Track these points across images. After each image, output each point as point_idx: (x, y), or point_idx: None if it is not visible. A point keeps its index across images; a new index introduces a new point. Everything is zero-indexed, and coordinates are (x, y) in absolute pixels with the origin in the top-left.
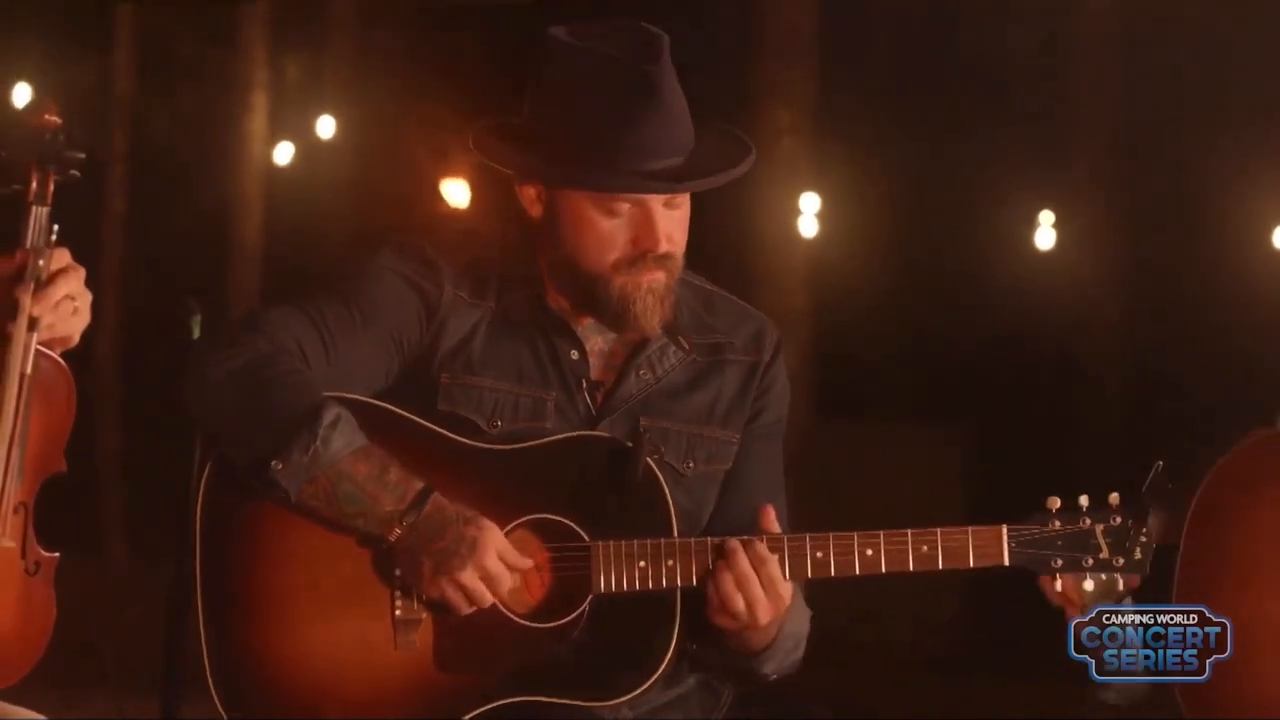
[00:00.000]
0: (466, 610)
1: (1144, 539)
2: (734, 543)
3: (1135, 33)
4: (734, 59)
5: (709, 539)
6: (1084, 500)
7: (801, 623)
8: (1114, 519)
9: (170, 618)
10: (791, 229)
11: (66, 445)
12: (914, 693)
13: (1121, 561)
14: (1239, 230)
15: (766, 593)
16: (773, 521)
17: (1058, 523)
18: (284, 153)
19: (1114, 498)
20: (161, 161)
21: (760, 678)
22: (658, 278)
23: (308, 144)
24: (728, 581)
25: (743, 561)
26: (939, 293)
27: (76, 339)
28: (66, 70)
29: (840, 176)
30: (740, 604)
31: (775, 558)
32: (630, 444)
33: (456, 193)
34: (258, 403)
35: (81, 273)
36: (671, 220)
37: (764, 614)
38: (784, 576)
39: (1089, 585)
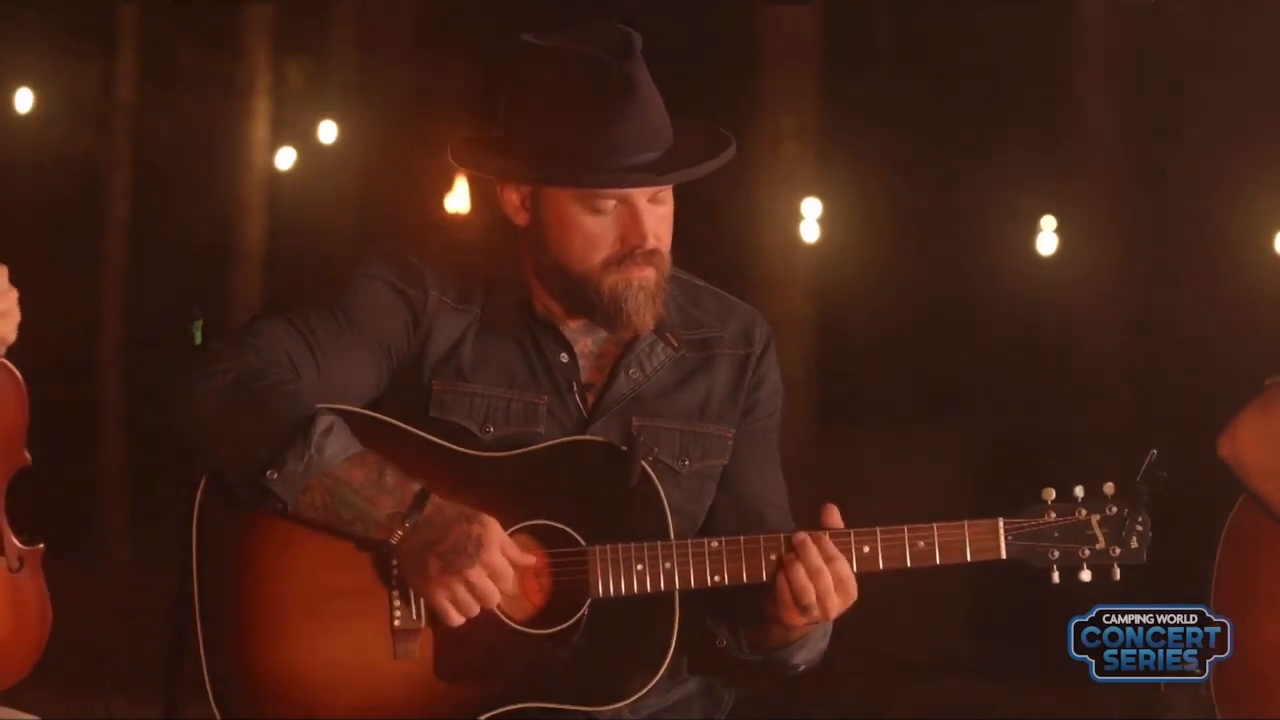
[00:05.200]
0: (473, 611)
1: (1140, 528)
2: (803, 536)
3: (1137, 38)
4: (736, 66)
5: (707, 539)
6: (1079, 491)
7: None
8: (1110, 509)
9: (172, 629)
10: (793, 234)
11: (27, 440)
12: (914, 694)
13: (1118, 551)
14: (1240, 235)
15: (836, 587)
16: (835, 519)
17: (1054, 514)
18: (285, 158)
19: (1109, 487)
20: (164, 168)
21: (790, 669)
22: (647, 274)
23: (309, 149)
24: (800, 574)
25: (814, 555)
26: (941, 298)
27: (13, 336)
28: (69, 76)
29: (842, 182)
30: (813, 596)
31: (843, 555)
32: (625, 447)
33: (458, 198)
34: (250, 415)
35: (3, 271)
36: (656, 216)
37: (834, 608)
38: (852, 571)
39: (1086, 576)
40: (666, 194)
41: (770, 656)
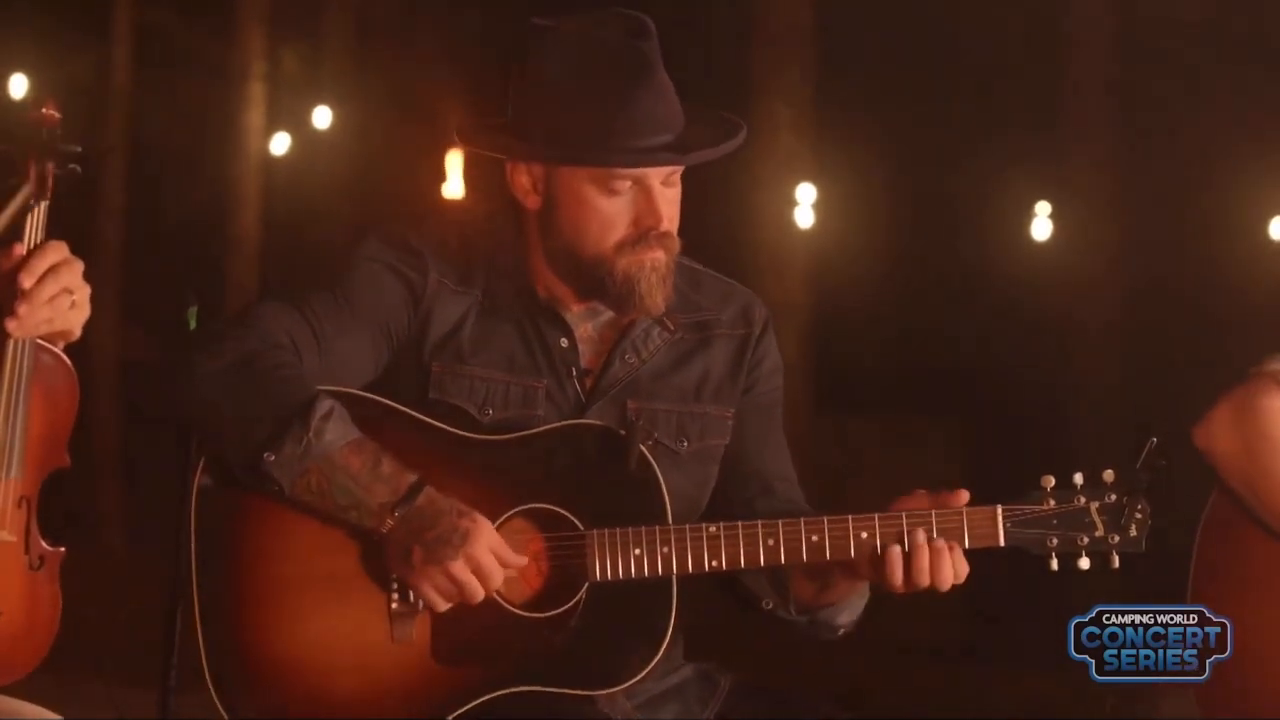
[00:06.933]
0: (455, 602)
1: (1139, 516)
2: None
3: (1132, 23)
4: (731, 52)
5: (705, 525)
6: (1078, 478)
7: None
8: (1109, 496)
9: (168, 613)
10: (788, 220)
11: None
12: (911, 682)
13: (1117, 539)
14: (1236, 221)
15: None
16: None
17: (1052, 501)
18: (280, 143)
19: (1108, 475)
20: (159, 153)
21: (832, 630)
22: (659, 257)
23: (304, 134)
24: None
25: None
26: (935, 283)
27: (78, 332)
28: (64, 62)
29: (837, 168)
30: (926, 579)
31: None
32: (623, 431)
33: (452, 183)
34: (250, 397)
35: (79, 266)
36: (668, 199)
37: (947, 580)
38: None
39: (1084, 564)
40: (677, 177)
41: (816, 617)
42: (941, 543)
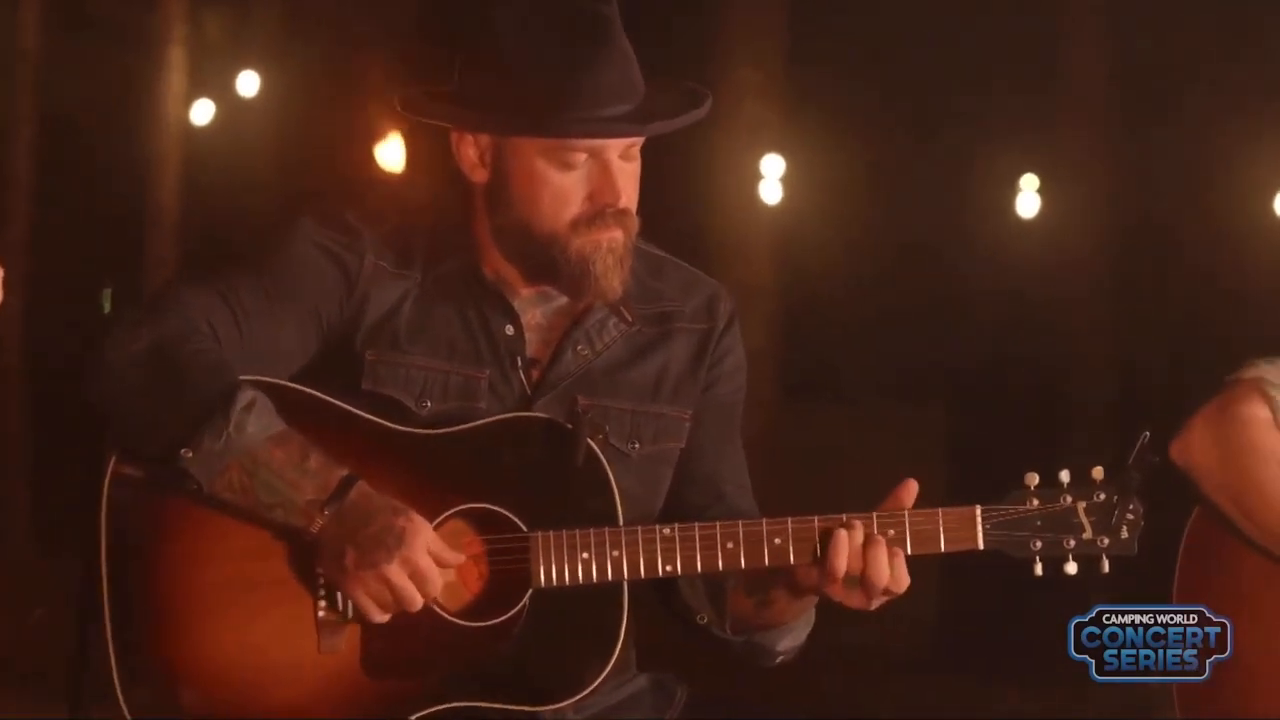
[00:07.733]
0: (393, 611)
1: (1130, 516)
2: (856, 521)
3: None
4: (694, 13)
5: (658, 526)
6: (1065, 476)
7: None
8: (1097, 495)
9: (78, 620)
10: (753, 195)
11: None
12: (893, 694)
13: (1106, 541)
14: (1236, 195)
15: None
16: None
17: (1036, 501)
18: (203, 112)
19: (1097, 472)
20: (70, 122)
21: (770, 657)
22: (616, 236)
23: (228, 102)
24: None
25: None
26: (914, 263)
27: None
28: None
29: (806, 138)
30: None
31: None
32: (570, 425)
33: (390, 155)
34: (165, 386)
35: None
36: (626, 173)
37: (883, 577)
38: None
39: (1071, 568)
40: (637, 150)
41: (753, 639)
42: (883, 539)
